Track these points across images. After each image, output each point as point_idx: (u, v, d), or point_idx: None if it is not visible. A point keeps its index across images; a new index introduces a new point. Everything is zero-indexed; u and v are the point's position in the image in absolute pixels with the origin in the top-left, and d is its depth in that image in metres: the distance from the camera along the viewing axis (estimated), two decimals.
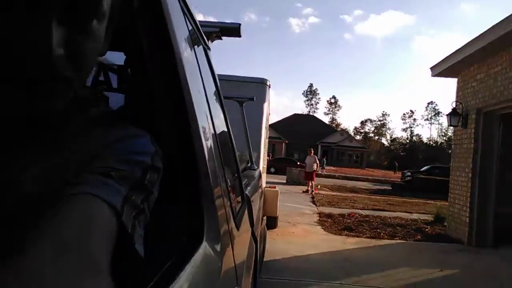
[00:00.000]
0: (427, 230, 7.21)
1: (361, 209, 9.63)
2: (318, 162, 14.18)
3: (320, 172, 26.73)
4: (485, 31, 5.58)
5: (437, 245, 6.15)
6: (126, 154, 0.48)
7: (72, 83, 0.43)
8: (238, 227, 1.14)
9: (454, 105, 6.91)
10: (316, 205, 10.18)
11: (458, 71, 6.99)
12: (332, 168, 36.52)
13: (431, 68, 7.56)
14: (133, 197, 0.45)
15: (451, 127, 7.15)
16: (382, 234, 6.71)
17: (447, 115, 6.93)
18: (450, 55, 6.73)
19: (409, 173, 24.02)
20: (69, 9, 0.40)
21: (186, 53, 0.78)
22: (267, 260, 4.22)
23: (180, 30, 0.75)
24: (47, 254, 0.33)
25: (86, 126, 0.51)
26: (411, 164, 49.51)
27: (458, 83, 7.18)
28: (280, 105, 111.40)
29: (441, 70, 7.18)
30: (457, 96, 7.08)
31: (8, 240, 0.36)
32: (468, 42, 6.09)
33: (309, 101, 79.50)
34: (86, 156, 0.47)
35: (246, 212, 1.57)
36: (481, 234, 6.15)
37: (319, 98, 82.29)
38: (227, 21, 1.42)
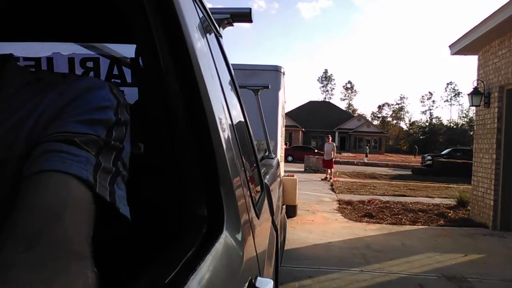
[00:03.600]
0: (450, 214, 7.07)
1: (381, 195, 9.53)
2: (335, 149, 14.05)
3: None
4: (506, 3, 5.32)
5: (461, 230, 6.03)
6: (86, 113, 0.43)
7: None
8: (258, 216, 1.14)
9: (475, 84, 6.67)
10: (335, 192, 10.12)
11: (479, 48, 6.72)
12: (351, 154, 36.15)
13: (450, 46, 7.31)
14: (103, 161, 0.41)
15: (473, 108, 6.93)
16: (403, 220, 6.62)
17: (468, 94, 6.71)
18: (470, 31, 6.47)
19: (429, 157, 23.58)
20: None
21: (199, 42, 0.76)
22: (287, 249, 4.23)
23: (191, 18, 0.74)
24: (17, 252, 0.30)
25: (32, 84, 0.46)
26: (431, 148, 48.47)
27: (478, 60, 6.91)
28: (295, 92, 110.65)
29: (461, 47, 6.93)
30: (478, 74, 6.83)
31: None
32: (489, 16, 5.83)
33: (324, 88, 78.54)
34: (43, 118, 0.43)
35: (266, 201, 1.57)
36: (506, 217, 5.99)
37: (334, 84, 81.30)
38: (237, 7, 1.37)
